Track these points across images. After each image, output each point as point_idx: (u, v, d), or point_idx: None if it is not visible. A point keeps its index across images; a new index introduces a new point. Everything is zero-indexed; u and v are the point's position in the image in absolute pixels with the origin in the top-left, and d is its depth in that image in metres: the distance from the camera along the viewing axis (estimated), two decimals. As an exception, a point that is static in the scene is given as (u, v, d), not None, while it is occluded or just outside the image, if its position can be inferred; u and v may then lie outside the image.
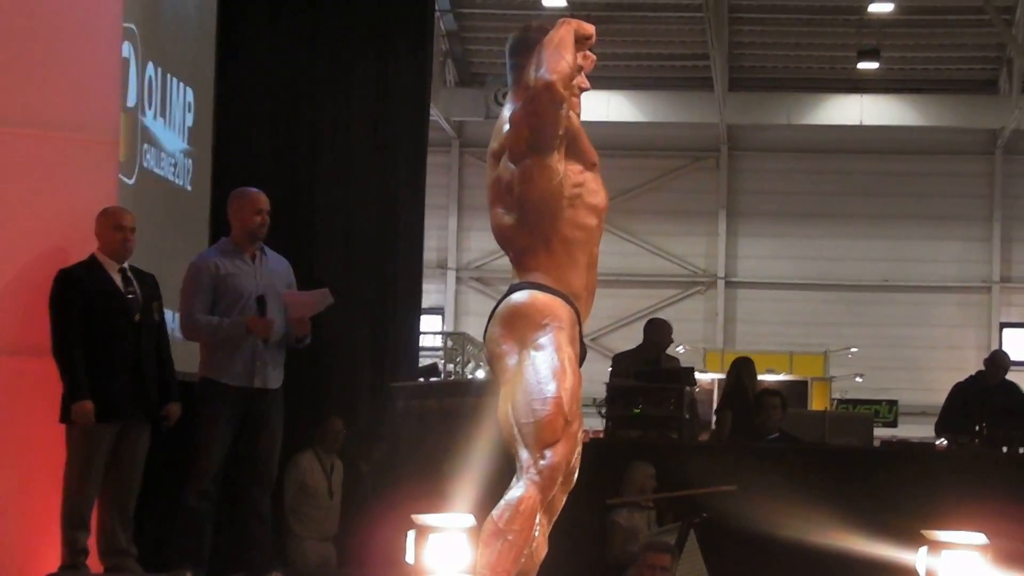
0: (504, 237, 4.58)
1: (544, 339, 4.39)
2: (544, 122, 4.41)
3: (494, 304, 4.53)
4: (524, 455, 4.34)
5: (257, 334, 7.44)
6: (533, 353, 4.38)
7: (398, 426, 10.18)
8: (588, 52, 4.59)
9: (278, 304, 7.58)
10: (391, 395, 9.57)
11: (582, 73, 4.58)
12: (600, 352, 20.86)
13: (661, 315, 14.56)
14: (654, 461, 9.93)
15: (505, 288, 4.58)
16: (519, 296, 4.48)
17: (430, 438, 8.70)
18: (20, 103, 7.22)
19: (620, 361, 11.48)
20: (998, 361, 11.99)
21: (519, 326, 4.43)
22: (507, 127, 4.54)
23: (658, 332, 11.52)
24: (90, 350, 7.03)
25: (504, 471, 4.60)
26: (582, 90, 4.63)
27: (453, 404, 9.59)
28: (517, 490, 4.31)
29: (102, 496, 7.11)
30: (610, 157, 26.37)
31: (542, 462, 4.32)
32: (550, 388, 4.34)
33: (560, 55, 4.37)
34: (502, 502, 4.31)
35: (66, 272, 7.11)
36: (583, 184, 4.53)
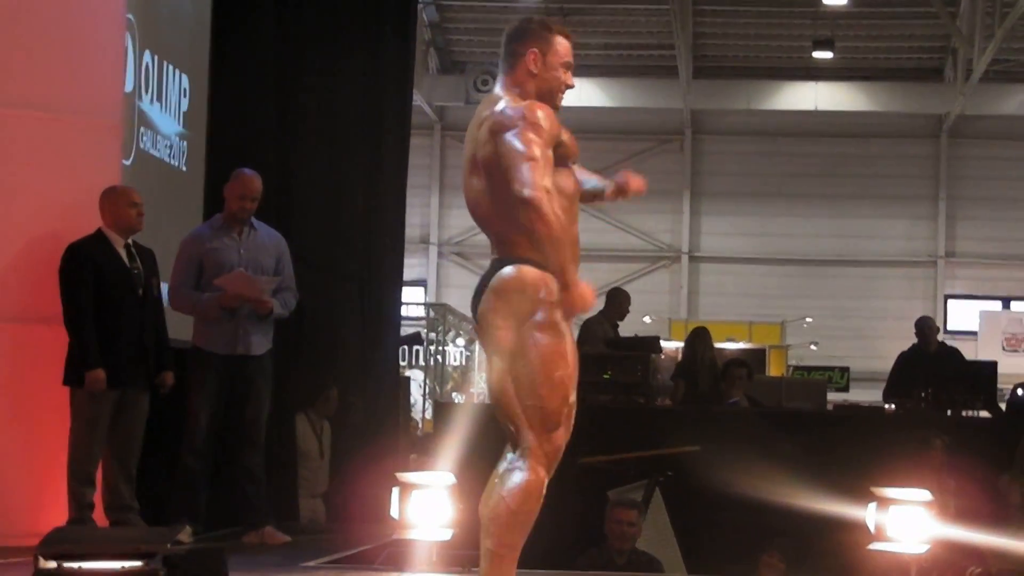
0: (486, 221, 4.46)
1: (543, 317, 4.30)
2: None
3: (479, 278, 4.42)
4: (529, 437, 4.29)
5: (226, 305, 7.47)
6: (536, 334, 4.29)
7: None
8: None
9: (266, 275, 7.64)
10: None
11: (568, 72, 4.57)
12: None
13: (628, 288, 14.50)
14: (622, 424, 9.93)
15: (485, 262, 4.49)
16: (511, 270, 4.35)
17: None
18: (26, 87, 7.17)
19: (589, 326, 11.46)
20: (924, 329, 11.97)
21: (515, 300, 4.32)
22: (485, 135, 4.37)
23: (619, 300, 11.65)
24: (99, 321, 7.01)
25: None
26: (568, 87, 4.61)
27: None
28: (525, 473, 4.27)
29: (106, 455, 7.11)
30: (581, 140, 25.84)
31: (547, 445, 4.30)
32: (556, 373, 4.29)
33: (539, 172, 4.26)
34: (513, 486, 4.26)
35: (76, 246, 7.07)
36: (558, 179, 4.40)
